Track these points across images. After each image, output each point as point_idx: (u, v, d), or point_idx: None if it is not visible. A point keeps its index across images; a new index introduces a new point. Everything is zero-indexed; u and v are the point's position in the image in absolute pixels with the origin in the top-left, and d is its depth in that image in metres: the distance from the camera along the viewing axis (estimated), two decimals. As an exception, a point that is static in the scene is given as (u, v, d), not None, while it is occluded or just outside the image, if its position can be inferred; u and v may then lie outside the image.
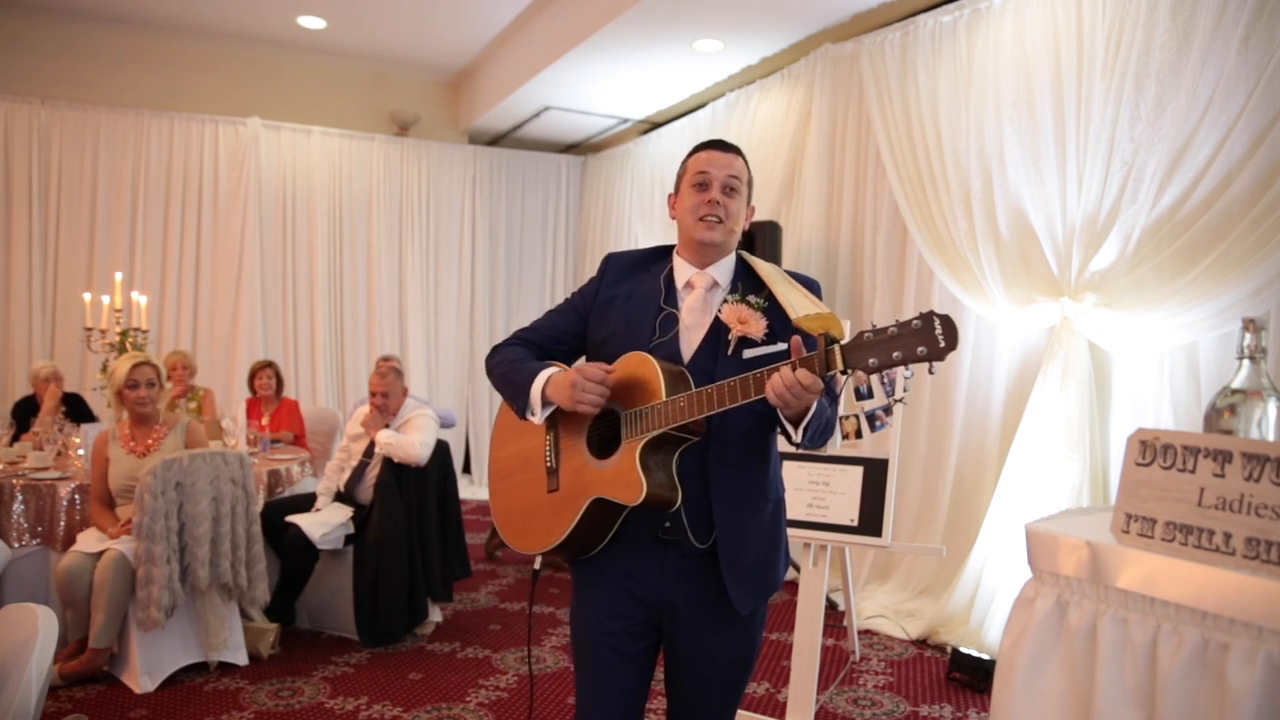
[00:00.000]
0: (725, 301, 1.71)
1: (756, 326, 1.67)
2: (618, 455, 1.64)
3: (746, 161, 1.81)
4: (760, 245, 4.98)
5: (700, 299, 1.74)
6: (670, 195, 1.86)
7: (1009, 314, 3.99)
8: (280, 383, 5.52)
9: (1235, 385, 1.58)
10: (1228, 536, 1.29)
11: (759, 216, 5.37)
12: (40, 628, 1.61)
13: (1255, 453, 1.29)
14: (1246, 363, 1.59)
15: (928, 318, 1.37)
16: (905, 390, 3.19)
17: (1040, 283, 3.84)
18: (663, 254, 1.85)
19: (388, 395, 4.11)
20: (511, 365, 1.80)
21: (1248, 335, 1.59)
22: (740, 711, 3.14)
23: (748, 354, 1.67)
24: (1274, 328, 2.98)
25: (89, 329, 5.03)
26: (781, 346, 1.65)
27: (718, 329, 1.70)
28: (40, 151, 6.26)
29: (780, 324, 1.68)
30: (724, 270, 1.77)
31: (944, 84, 4.28)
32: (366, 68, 7.34)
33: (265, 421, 5.18)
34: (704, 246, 1.75)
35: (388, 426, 4.10)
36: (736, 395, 1.52)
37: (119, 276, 5.15)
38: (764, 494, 1.74)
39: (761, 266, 1.76)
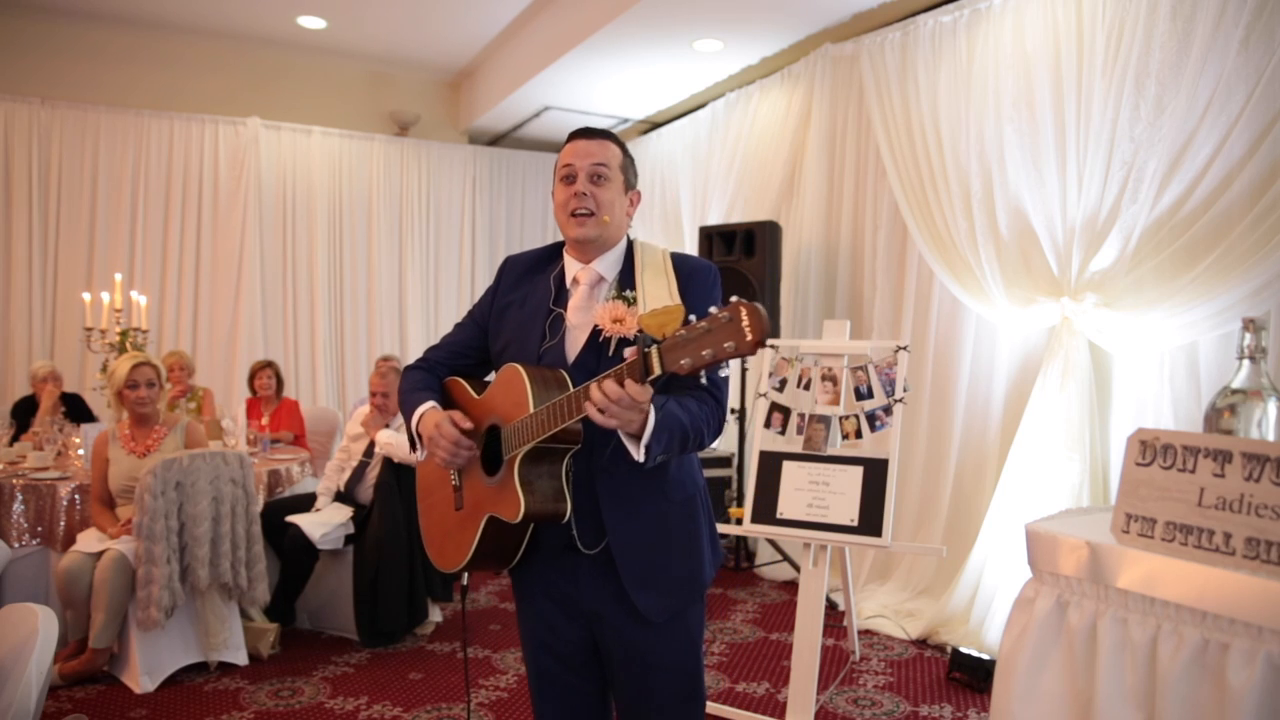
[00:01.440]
0: (606, 299, 1.64)
1: (631, 324, 1.57)
2: (502, 471, 1.60)
3: (622, 145, 1.72)
4: (760, 245, 4.98)
5: (584, 297, 1.67)
6: (553, 193, 1.77)
7: (1009, 314, 3.99)
8: (280, 383, 5.52)
9: (1235, 385, 1.58)
10: (1228, 536, 1.29)
11: (759, 216, 5.38)
12: (40, 628, 1.61)
13: (1255, 453, 1.29)
14: (1246, 363, 1.59)
15: (735, 309, 1.25)
16: (905, 390, 3.19)
17: (1040, 283, 3.84)
18: (556, 252, 1.78)
19: (388, 395, 4.11)
20: (405, 395, 1.78)
21: (1248, 335, 1.59)
22: (740, 711, 3.15)
23: (628, 353, 1.57)
24: (1274, 328, 2.97)
25: (89, 329, 5.03)
26: None
27: (599, 328, 1.63)
28: (40, 151, 6.26)
29: None
30: (610, 263, 1.69)
31: (944, 84, 4.28)
32: (366, 68, 7.33)
33: (265, 421, 5.19)
34: (578, 244, 1.68)
35: (388, 426, 4.11)
36: (579, 407, 1.43)
37: (119, 276, 5.15)
38: (663, 494, 1.66)
39: (641, 255, 1.68)
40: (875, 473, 3.13)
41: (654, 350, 1.34)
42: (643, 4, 4.71)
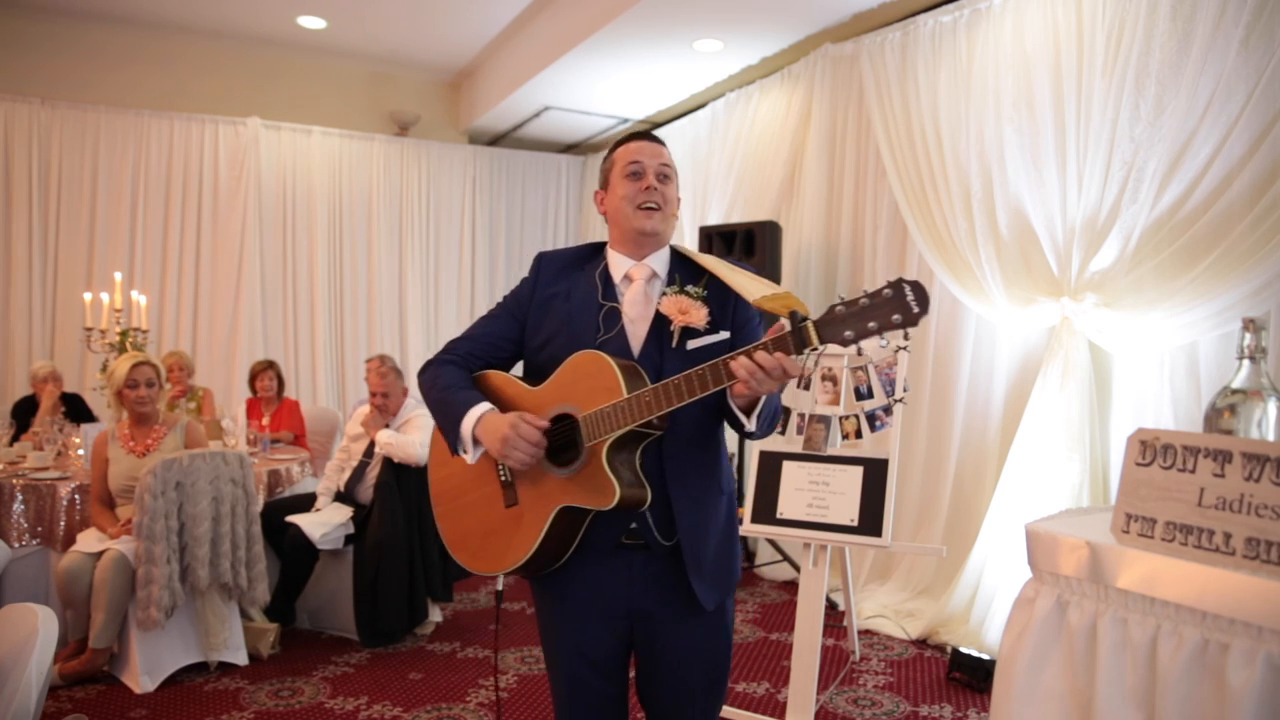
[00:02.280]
0: (664, 293, 1.68)
1: (698, 316, 1.64)
2: (582, 459, 1.59)
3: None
4: (760, 245, 4.98)
5: (641, 291, 1.71)
6: (597, 192, 1.81)
7: (1009, 314, 3.99)
8: (281, 383, 5.52)
9: (1235, 385, 1.58)
10: (1228, 536, 1.29)
11: (759, 216, 5.39)
12: (40, 628, 1.61)
13: (1255, 453, 1.29)
14: (1246, 363, 1.58)
15: (897, 285, 1.36)
16: (905, 389, 3.19)
17: (1040, 283, 3.84)
18: (595, 251, 1.82)
19: (388, 395, 4.11)
20: (444, 392, 1.71)
21: (1248, 335, 1.59)
22: (740, 711, 3.15)
23: (691, 344, 1.64)
24: (1274, 328, 2.97)
25: (89, 329, 5.03)
26: (724, 335, 1.65)
27: (661, 321, 1.67)
28: (40, 151, 6.25)
29: (720, 312, 1.67)
30: (660, 261, 1.75)
31: (944, 84, 4.28)
32: (366, 68, 7.33)
33: (265, 422, 5.18)
34: (644, 236, 1.71)
35: (388, 426, 4.11)
36: (707, 384, 1.47)
37: (119, 276, 5.15)
38: (719, 486, 1.73)
39: (700, 255, 1.74)
40: (875, 473, 3.13)
41: (809, 325, 1.41)
42: (643, 4, 4.71)
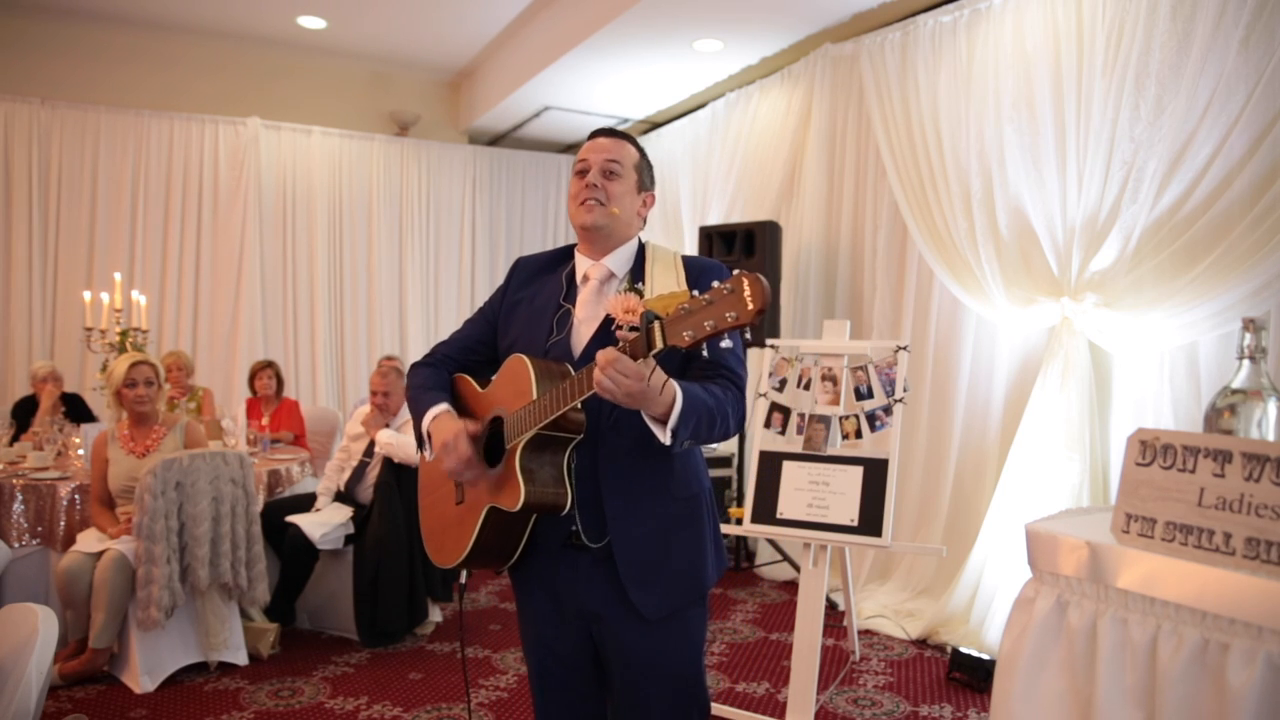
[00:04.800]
0: (617, 292, 1.65)
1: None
2: (503, 461, 1.62)
3: (639, 148, 1.77)
4: (760, 245, 4.98)
5: (594, 291, 1.71)
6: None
7: (1009, 314, 3.99)
8: (280, 383, 5.52)
9: (1235, 385, 1.58)
10: (1228, 536, 1.29)
11: (759, 216, 5.38)
12: (40, 628, 1.61)
13: (1255, 453, 1.29)
14: (1246, 363, 1.58)
15: (737, 280, 1.28)
16: (905, 389, 3.19)
17: (1040, 283, 3.84)
18: (568, 253, 1.82)
19: (388, 394, 4.11)
20: (415, 392, 1.80)
21: (1248, 335, 1.59)
22: (740, 711, 3.15)
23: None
24: (1274, 328, 2.97)
25: (89, 329, 5.02)
26: None
27: (609, 321, 1.63)
28: (40, 151, 6.25)
29: None
30: (621, 260, 1.73)
31: (944, 84, 4.28)
32: (366, 68, 7.33)
33: (265, 421, 5.18)
34: (586, 231, 1.71)
35: (388, 426, 4.11)
36: (585, 387, 1.44)
37: (119, 276, 5.15)
38: (667, 491, 1.67)
39: (652, 253, 1.71)
40: (875, 473, 3.13)
41: (656, 325, 1.36)
42: (643, 4, 4.71)
